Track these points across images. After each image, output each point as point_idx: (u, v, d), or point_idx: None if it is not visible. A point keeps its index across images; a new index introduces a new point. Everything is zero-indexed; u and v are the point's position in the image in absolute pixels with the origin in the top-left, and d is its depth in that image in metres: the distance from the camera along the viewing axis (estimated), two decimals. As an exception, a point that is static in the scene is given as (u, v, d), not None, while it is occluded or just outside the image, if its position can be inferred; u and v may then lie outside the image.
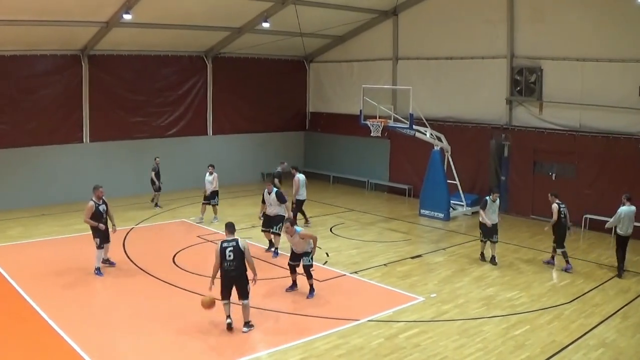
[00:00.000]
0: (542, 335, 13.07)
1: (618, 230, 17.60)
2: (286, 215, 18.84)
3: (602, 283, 16.68)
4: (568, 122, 23.47)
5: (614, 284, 16.60)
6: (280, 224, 18.34)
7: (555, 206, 18.00)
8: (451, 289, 16.03)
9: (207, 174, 23.23)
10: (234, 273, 13.02)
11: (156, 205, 25.74)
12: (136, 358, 12.00)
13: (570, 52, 23.06)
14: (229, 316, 13.16)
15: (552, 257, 18.43)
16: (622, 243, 17.59)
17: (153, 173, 25.41)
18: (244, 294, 13.18)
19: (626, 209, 17.39)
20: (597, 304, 15.01)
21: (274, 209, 19.03)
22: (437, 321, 13.84)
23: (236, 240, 13.13)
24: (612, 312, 14.47)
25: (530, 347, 12.42)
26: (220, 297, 13.16)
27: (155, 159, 25.65)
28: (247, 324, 13.25)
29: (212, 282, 13.21)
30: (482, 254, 18.84)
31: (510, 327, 13.46)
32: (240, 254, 13.02)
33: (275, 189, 19.20)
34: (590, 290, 16.09)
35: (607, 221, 19.75)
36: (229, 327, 13.10)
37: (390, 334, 13.05)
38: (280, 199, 18.94)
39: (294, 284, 15.93)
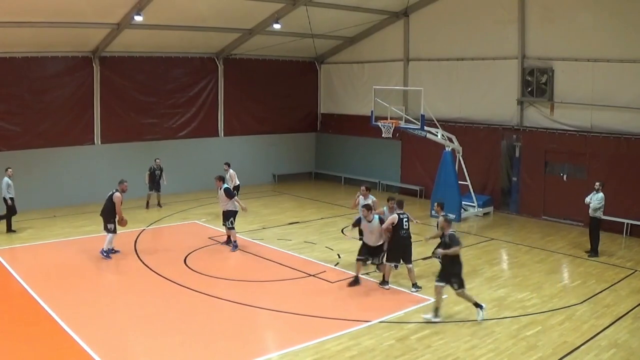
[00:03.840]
0: (553, 336, 13.03)
1: (600, 215, 19.29)
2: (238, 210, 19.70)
3: (614, 284, 16.61)
4: (579, 122, 23.40)
5: (626, 285, 16.53)
6: (232, 219, 19.51)
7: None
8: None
9: (225, 172, 23.96)
10: (408, 241, 15.90)
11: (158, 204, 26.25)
12: (147, 359, 12.04)
13: (581, 53, 22.99)
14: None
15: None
16: (600, 226, 19.55)
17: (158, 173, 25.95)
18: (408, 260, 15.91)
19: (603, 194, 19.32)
20: (608, 305, 14.96)
21: (224, 204, 19.64)
22: (448, 322, 13.83)
23: (407, 215, 16.05)
24: (623, 313, 14.41)
25: (541, 348, 12.40)
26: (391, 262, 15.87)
27: (155, 160, 26.08)
28: (415, 285, 15.85)
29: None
30: (357, 277, 16.36)
31: (521, 328, 13.44)
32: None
33: (224, 185, 19.70)
34: (602, 291, 16.03)
35: (619, 222, 20.29)
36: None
37: (401, 335, 13.05)
38: (228, 194, 19.48)
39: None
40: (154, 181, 25.89)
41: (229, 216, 19.54)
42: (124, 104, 27.45)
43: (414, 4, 28.05)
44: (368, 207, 15.90)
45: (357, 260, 16.24)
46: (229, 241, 20.03)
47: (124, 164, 26.56)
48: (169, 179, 26.67)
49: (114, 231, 18.28)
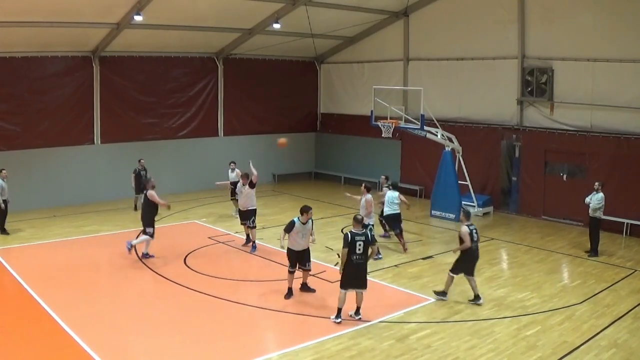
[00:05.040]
0: (553, 336, 13.04)
1: (599, 215, 19.30)
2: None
3: (614, 283, 16.62)
4: (579, 122, 23.40)
5: (625, 285, 16.54)
6: (253, 217, 19.51)
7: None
8: (462, 289, 15.96)
9: (230, 170, 23.96)
10: (477, 253, 15.08)
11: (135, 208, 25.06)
12: (147, 359, 12.04)
13: (581, 53, 22.99)
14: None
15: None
16: (599, 226, 19.55)
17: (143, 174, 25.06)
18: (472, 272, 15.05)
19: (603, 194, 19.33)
20: (608, 305, 14.96)
21: (245, 203, 19.65)
22: (448, 322, 13.83)
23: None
24: (623, 313, 14.42)
25: (541, 347, 12.40)
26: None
27: (139, 161, 25.43)
28: (477, 296, 15.03)
29: None
30: (291, 289, 15.31)
31: (521, 328, 13.44)
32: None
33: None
34: (602, 290, 16.03)
35: (618, 221, 20.49)
36: None
37: (401, 335, 13.05)
38: (252, 186, 19.57)
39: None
40: (140, 183, 24.73)
41: (250, 215, 19.52)
42: (123, 104, 27.42)
43: (414, 3, 28.04)
44: None
45: (290, 272, 15.19)
46: (249, 240, 19.95)
47: (124, 163, 26.45)
48: (169, 179, 26.62)
49: (152, 235, 18.24)
